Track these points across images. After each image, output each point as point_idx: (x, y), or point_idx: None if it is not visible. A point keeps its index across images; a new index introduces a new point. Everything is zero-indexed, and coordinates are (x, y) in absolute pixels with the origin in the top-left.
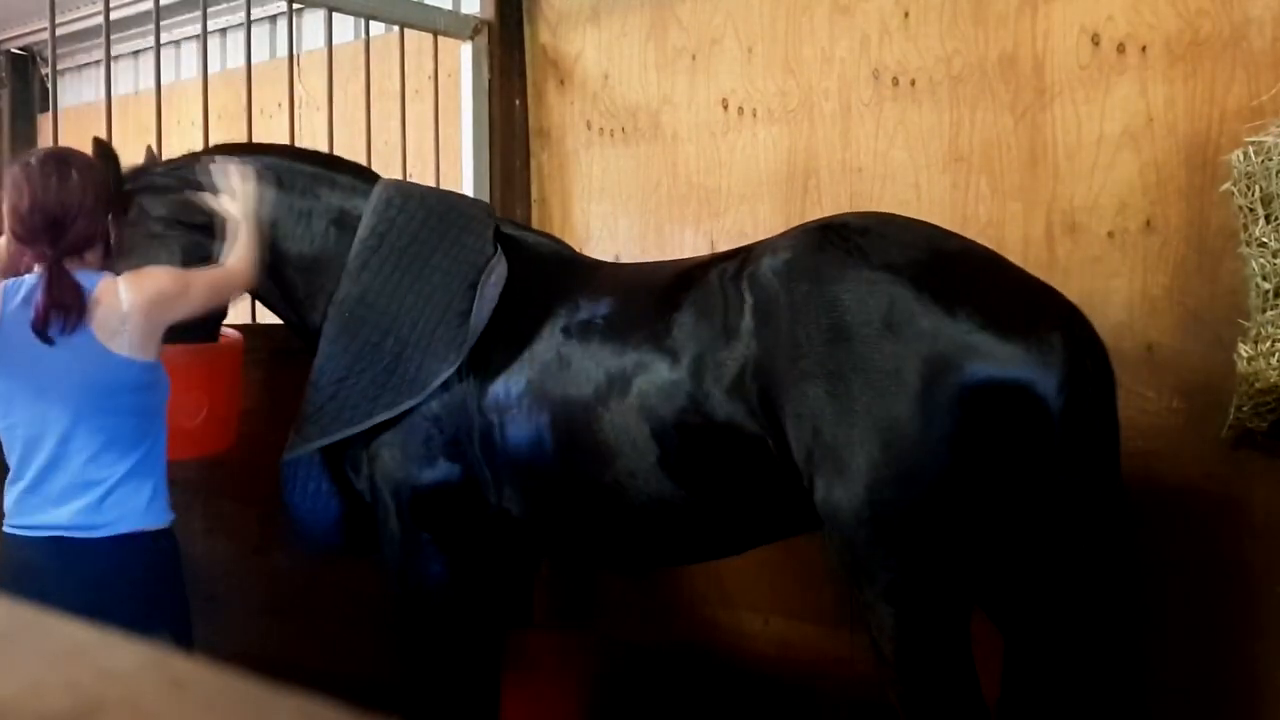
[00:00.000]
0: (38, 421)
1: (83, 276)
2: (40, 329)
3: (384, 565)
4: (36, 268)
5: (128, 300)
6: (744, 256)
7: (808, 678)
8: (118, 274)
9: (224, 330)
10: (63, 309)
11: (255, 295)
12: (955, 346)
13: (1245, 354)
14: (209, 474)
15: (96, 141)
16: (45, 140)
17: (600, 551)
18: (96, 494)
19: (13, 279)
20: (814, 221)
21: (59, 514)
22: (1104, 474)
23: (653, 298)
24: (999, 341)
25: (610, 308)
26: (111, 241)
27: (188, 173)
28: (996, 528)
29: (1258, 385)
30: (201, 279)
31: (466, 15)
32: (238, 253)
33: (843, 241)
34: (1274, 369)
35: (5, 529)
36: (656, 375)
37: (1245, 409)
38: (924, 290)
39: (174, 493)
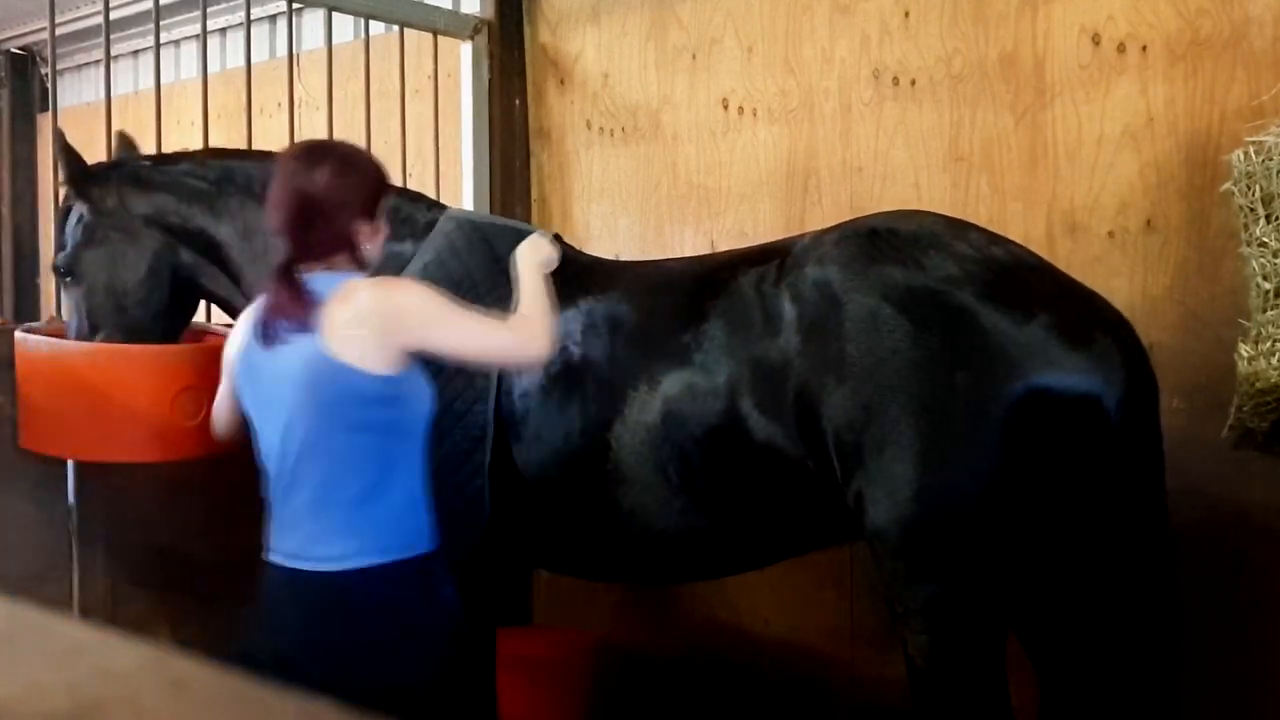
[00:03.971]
0: (277, 436)
1: (321, 280)
2: (262, 334)
3: None
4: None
5: (366, 306)
6: (779, 263)
7: (808, 679)
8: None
9: (222, 329)
10: (284, 316)
11: None
12: (1025, 360)
13: (1246, 354)
14: (209, 474)
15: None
16: (45, 140)
17: (612, 570)
18: (335, 521)
19: None
20: (855, 225)
21: (299, 541)
22: (1152, 489)
23: (673, 305)
24: (1070, 353)
25: (624, 315)
26: (363, 248)
27: (177, 173)
28: (1041, 545)
29: (1258, 385)
30: (472, 326)
31: (466, 15)
32: (532, 322)
33: (894, 251)
34: (1274, 369)
35: (266, 555)
36: (686, 391)
37: (1246, 409)
38: (989, 302)
39: (174, 493)
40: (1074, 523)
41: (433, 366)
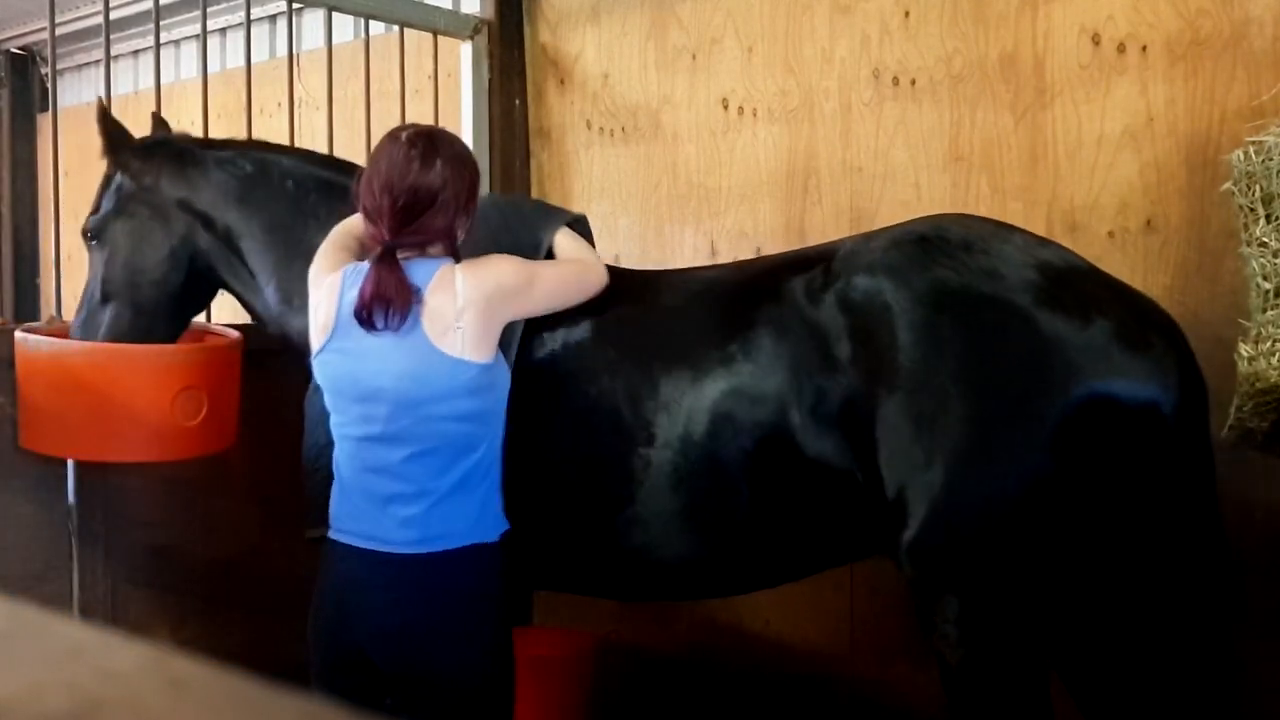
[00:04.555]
0: (365, 421)
1: (418, 266)
2: (364, 319)
3: None
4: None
5: (464, 294)
6: (824, 269)
7: (808, 679)
8: (457, 261)
9: (223, 329)
10: (386, 302)
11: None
12: (1085, 364)
13: (1246, 354)
14: (209, 474)
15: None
16: (45, 140)
17: (640, 588)
18: (423, 505)
19: (354, 264)
20: (905, 230)
21: (382, 524)
22: (1205, 497)
23: (715, 313)
24: (1131, 358)
25: (662, 323)
26: (460, 240)
27: (218, 159)
28: (1101, 557)
29: (1258, 385)
30: (549, 273)
31: (466, 15)
32: (583, 251)
33: (946, 258)
34: (1275, 369)
35: (331, 534)
36: (735, 402)
37: (1246, 409)
38: (1045, 306)
39: (174, 493)
40: (1132, 531)
41: None
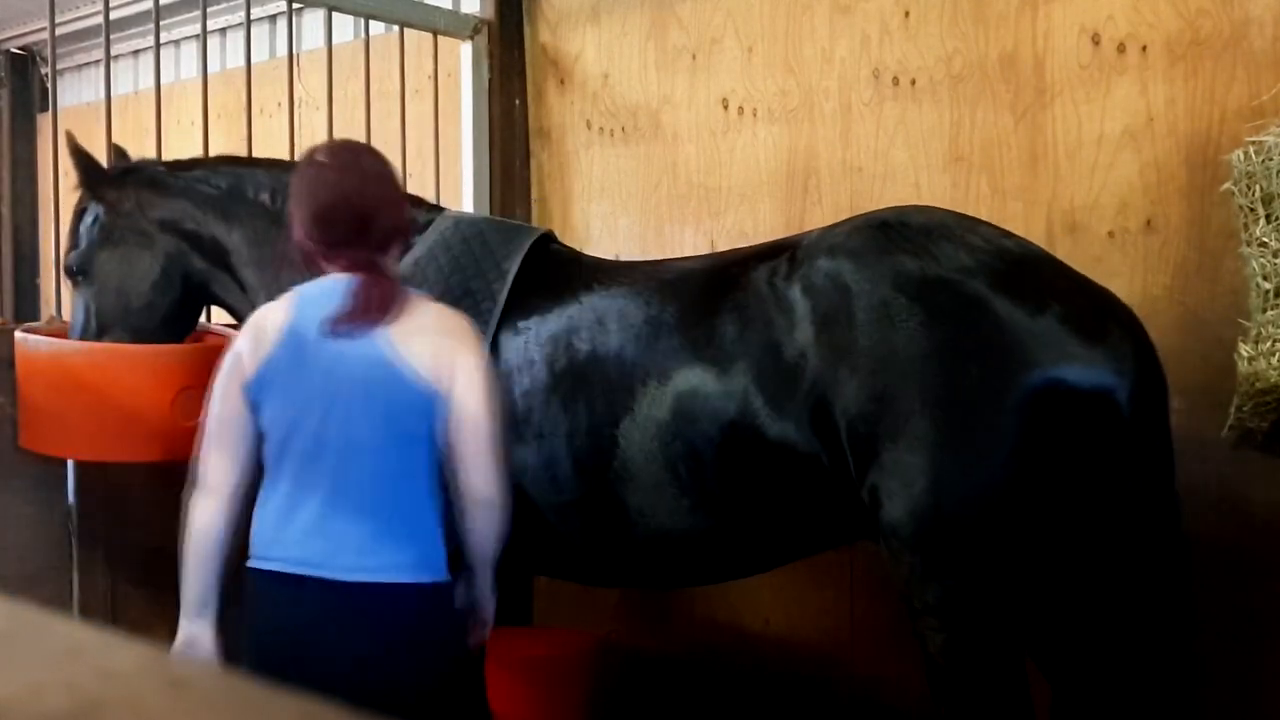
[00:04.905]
0: (315, 442)
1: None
2: (332, 327)
3: None
4: (337, 273)
5: (437, 319)
6: (789, 256)
7: (808, 679)
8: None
9: (223, 329)
10: (368, 313)
11: None
12: (1039, 351)
13: (1246, 354)
14: None
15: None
16: (45, 140)
17: (616, 574)
18: (385, 530)
19: (309, 284)
20: (867, 218)
21: (323, 548)
22: (1163, 484)
23: (684, 300)
24: (1084, 346)
25: (632, 311)
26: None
27: (192, 179)
28: (1056, 540)
29: (1258, 385)
30: (490, 403)
31: (466, 15)
32: (500, 486)
33: (906, 242)
34: (1274, 369)
35: (253, 563)
36: (699, 387)
37: (1246, 409)
38: (1002, 292)
39: (174, 493)
40: (1086, 517)
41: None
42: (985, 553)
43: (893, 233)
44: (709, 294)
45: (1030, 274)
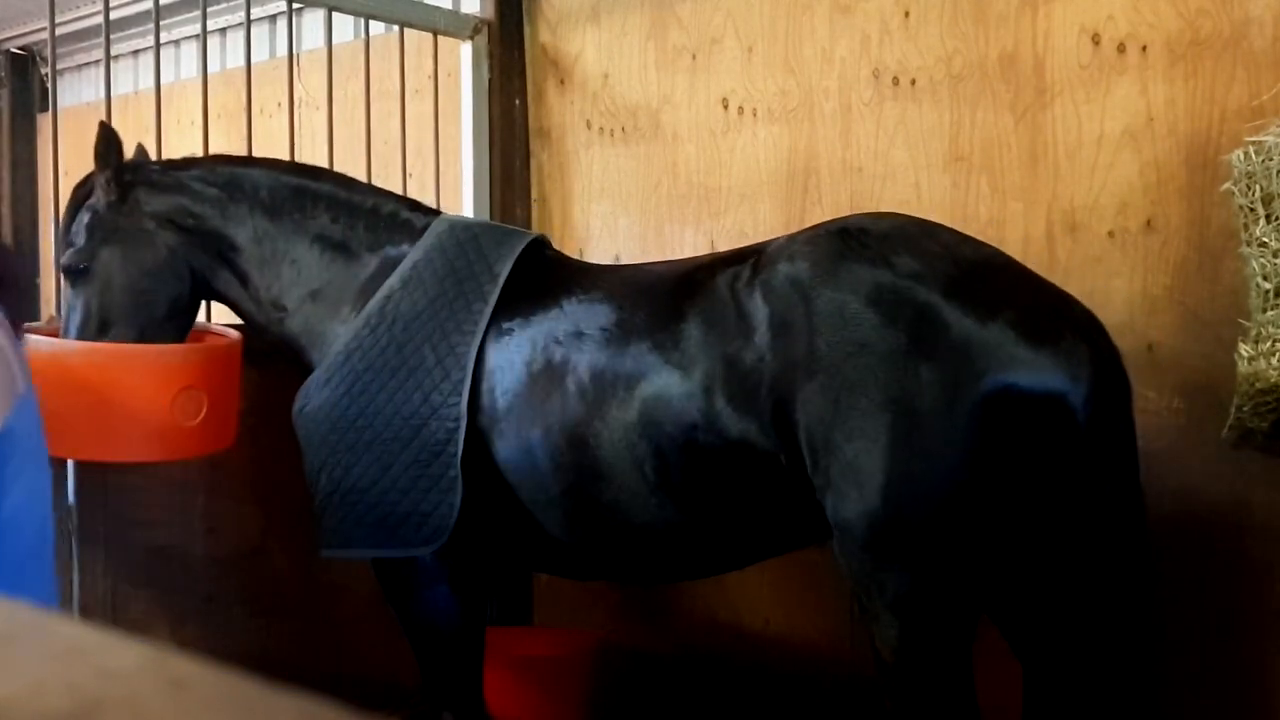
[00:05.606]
0: None
1: None
2: None
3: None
4: None
5: None
6: (753, 262)
7: (808, 679)
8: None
9: (222, 329)
10: None
11: None
12: (988, 357)
13: (1246, 354)
14: (209, 474)
15: (101, 125)
16: (45, 140)
17: (595, 569)
18: None
19: None
20: (828, 225)
21: None
22: (1125, 487)
23: (653, 305)
24: (1033, 351)
25: (606, 315)
26: None
27: (189, 177)
28: (1012, 541)
29: (1258, 385)
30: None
31: (466, 15)
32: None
33: (864, 249)
34: (1274, 369)
35: None
36: (663, 389)
37: (1246, 409)
38: (953, 299)
39: (174, 493)
40: (1044, 518)
41: (414, 358)
42: (936, 554)
43: (851, 240)
44: (676, 299)
45: (984, 280)
